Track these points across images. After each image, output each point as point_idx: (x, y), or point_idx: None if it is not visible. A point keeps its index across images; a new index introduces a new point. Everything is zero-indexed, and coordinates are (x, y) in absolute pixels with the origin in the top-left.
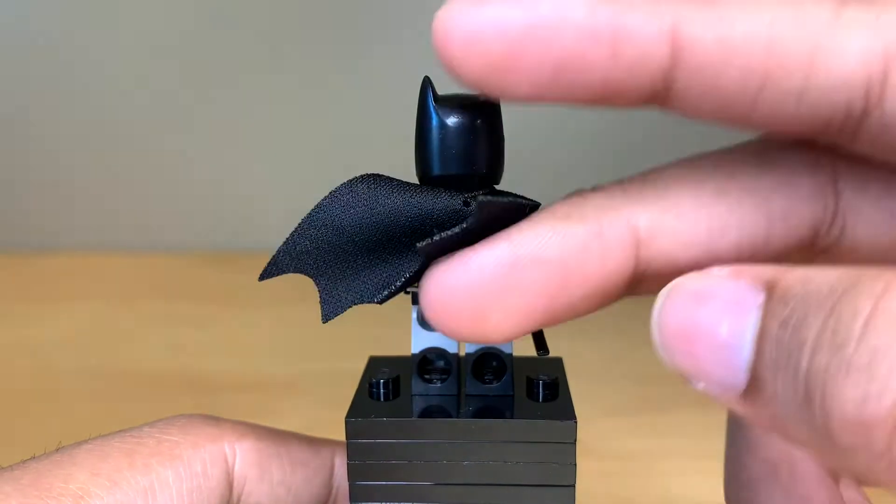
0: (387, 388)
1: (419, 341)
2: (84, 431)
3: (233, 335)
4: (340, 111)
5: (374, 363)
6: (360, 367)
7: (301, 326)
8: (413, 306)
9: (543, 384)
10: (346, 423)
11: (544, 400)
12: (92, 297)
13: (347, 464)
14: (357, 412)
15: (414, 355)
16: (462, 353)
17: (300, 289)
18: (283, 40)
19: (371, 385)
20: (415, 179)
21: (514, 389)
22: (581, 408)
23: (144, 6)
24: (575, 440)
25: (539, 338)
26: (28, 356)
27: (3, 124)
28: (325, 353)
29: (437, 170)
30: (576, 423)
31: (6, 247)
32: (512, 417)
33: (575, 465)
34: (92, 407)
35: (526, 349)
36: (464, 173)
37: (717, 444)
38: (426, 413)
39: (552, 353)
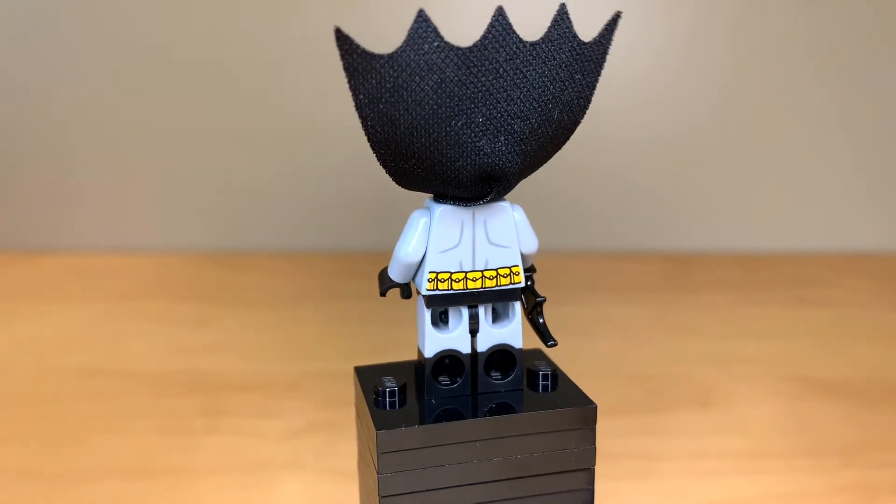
0: (392, 396)
1: (433, 344)
2: (84, 431)
3: (233, 335)
4: (343, 112)
5: (365, 373)
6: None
7: (301, 326)
8: (426, 309)
9: (543, 375)
10: (378, 435)
11: (547, 390)
12: (92, 297)
13: (378, 477)
14: (385, 423)
15: (428, 359)
16: (475, 353)
17: (301, 289)
18: (285, 42)
19: (377, 394)
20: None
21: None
22: None
23: (135, 8)
24: (595, 425)
25: (544, 330)
26: (28, 356)
27: (3, 124)
28: (325, 353)
29: None
30: (596, 407)
31: (6, 247)
32: (533, 409)
33: (595, 447)
34: (92, 407)
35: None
36: None
37: (718, 444)
38: (447, 416)
39: (581, 375)
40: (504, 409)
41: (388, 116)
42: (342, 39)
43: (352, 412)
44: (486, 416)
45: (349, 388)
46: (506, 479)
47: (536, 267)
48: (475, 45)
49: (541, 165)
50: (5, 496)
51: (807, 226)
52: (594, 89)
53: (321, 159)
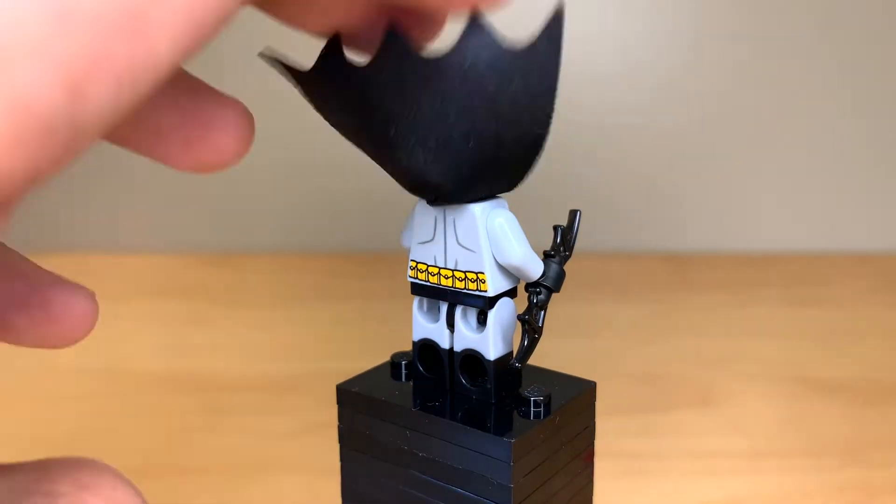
0: (399, 368)
1: (417, 329)
2: (84, 431)
3: (233, 335)
4: None
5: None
6: (361, 367)
7: (301, 326)
8: (415, 297)
9: (523, 400)
10: (337, 388)
11: (527, 416)
12: None
13: (338, 426)
14: (351, 382)
15: (414, 343)
16: (452, 350)
17: (300, 289)
18: (283, 41)
19: (393, 365)
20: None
21: (507, 399)
22: None
23: None
24: (510, 461)
25: (520, 349)
26: (28, 356)
27: None
28: (325, 353)
29: None
30: (511, 444)
31: None
32: (453, 420)
33: (511, 488)
34: (92, 407)
35: (555, 364)
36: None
37: (718, 444)
38: (403, 399)
39: (581, 375)
40: (442, 411)
41: (334, 120)
42: (272, 62)
43: None
44: (418, 409)
45: None
46: (427, 477)
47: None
48: (369, 63)
49: (515, 175)
50: None
51: (807, 226)
52: (550, 98)
53: (322, 159)
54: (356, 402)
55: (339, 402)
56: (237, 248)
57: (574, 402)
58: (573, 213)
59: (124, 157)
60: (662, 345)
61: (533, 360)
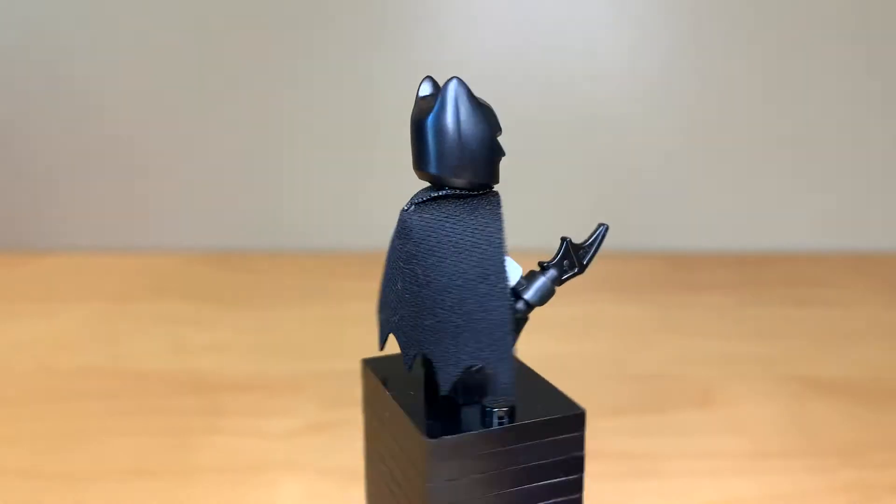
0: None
1: None
2: (84, 431)
3: (233, 335)
4: (340, 111)
5: (368, 364)
6: (360, 367)
7: (301, 326)
8: None
9: (488, 412)
10: (361, 362)
11: (488, 425)
12: (92, 297)
13: (363, 400)
14: (376, 360)
15: None
16: None
17: (300, 289)
18: (281, 41)
19: None
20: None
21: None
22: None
23: (141, 7)
24: (428, 461)
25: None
26: (28, 356)
27: (2, 125)
28: (325, 353)
29: (413, 166)
30: (432, 443)
31: (6, 247)
32: (404, 410)
33: (429, 487)
34: (92, 407)
35: (555, 364)
36: (427, 171)
37: (717, 444)
38: (403, 387)
39: (581, 375)
40: (403, 400)
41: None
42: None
43: (351, 412)
44: (394, 399)
45: (349, 388)
46: (395, 466)
47: (539, 270)
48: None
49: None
50: (5, 496)
51: (806, 226)
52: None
53: (322, 159)
54: (369, 376)
55: (363, 376)
56: (237, 248)
57: (546, 424)
58: (598, 227)
59: (124, 157)
60: (662, 345)
61: (535, 363)
